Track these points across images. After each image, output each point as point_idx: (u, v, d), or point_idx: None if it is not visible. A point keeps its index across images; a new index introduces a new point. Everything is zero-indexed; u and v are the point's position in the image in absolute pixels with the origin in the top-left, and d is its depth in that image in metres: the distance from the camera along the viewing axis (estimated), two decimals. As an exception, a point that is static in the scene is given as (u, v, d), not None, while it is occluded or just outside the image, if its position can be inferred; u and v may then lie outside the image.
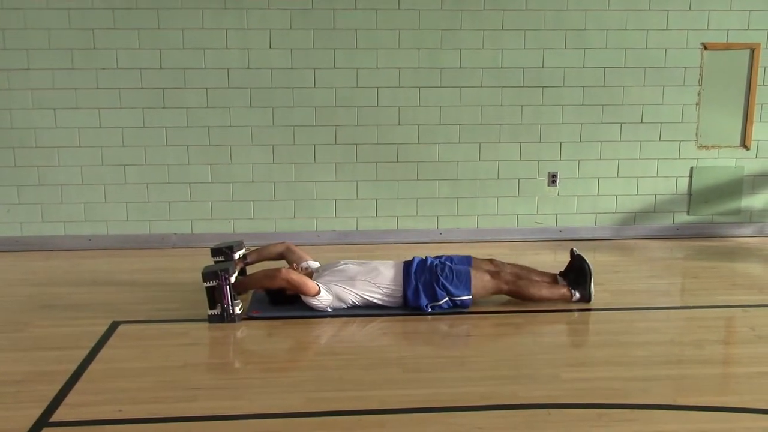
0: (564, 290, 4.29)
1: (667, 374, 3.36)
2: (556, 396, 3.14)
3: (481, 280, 4.20)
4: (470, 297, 4.17)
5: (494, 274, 4.25)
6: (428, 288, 4.13)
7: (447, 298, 4.15)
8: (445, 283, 4.13)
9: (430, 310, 4.15)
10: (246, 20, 5.43)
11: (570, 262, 4.44)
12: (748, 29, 5.70)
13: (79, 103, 5.46)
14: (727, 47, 5.73)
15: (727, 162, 5.93)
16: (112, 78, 5.44)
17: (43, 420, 2.94)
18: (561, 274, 4.45)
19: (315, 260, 4.55)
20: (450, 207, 5.84)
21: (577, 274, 4.33)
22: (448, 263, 4.25)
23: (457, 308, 4.18)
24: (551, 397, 3.12)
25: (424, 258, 4.31)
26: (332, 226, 5.81)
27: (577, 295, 4.29)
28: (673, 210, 6.00)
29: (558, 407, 3.03)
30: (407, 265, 4.24)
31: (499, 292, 4.26)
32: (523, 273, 4.41)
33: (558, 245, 5.67)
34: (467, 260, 4.37)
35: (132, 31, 5.38)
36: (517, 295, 4.26)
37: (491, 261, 4.45)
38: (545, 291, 4.28)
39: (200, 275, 4.06)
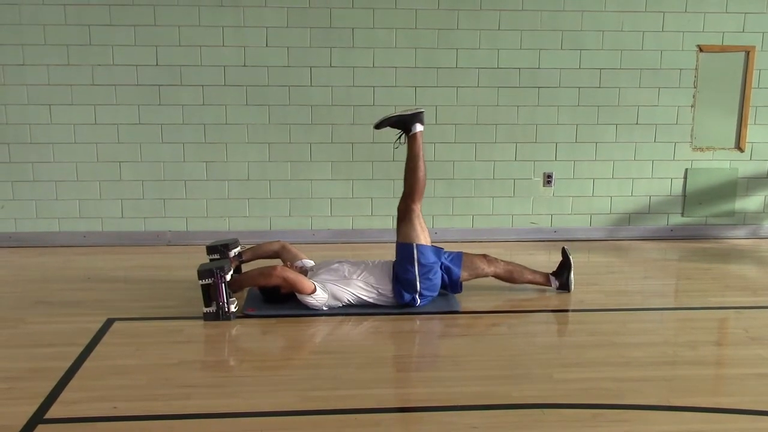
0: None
1: (660, 375, 3.37)
2: (549, 396, 3.15)
3: (405, 228, 4.15)
4: (415, 244, 4.08)
5: (401, 218, 4.22)
6: (403, 281, 4.12)
7: (417, 275, 4.08)
8: (400, 262, 4.12)
9: (419, 301, 4.15)
10: (242, 18, 5.43)
11: (561, 260, 4.56)
12: (743, 32, 5.72)
13: (74, 99, 5.45)
14: (723, 50, 5.74)
15: (721, 164, 5.95)
16: (107, 74, 5.43)
17: (38, 417, 2.93)
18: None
19: (310, 259, 4.55)
20: (445, 206, 5.84)
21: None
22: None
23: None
24: (545, 397, 3.13)
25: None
26: (327, 225, 5.81)
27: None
28: (668, 211, 6.02)
29: (552, 407, 3.04)
30: (396, 265, 4.24)
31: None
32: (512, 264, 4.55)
33: (553, 246, 5.67)
34: (458, 255, 4.38)
35: (128, 28, 5.37)
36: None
37: (484, 256, 4.48)
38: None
39: (195, 273, 4.06)
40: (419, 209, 4.19)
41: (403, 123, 4.20)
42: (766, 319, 4.16)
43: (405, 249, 4.14)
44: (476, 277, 4.42)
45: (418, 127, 4.20)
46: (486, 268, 4.41)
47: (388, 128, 4.27)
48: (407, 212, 4.16)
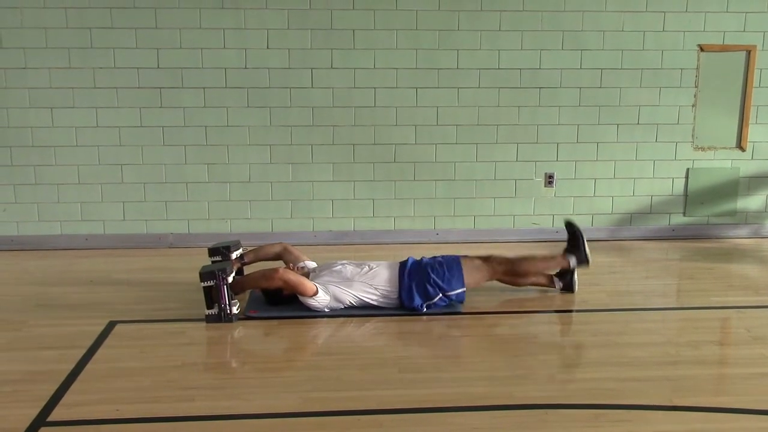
0: (558, 258, 4.36)
1: (663, 375, 3.37)
2: (552, 396, 3.15)
3: (472, 267, 4.20)
4: (464, 290, 4.16)
5: (485, 260, 4.25)
6: (421, 287, 4.14)
7: (441, 295, 4.15)
8: (436, 279, 4.13)
9: (425, 309, 4.16)
10: (243, 20, 5.43)
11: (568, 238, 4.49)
12: (744, 31, 5.71)
13: (76, 102, 5.45)
14: (724, 49, 5.74)
15: (723, 163, 5.95)
16: (109, 77, 5.44)
17: (40, 419, 2.94)
18: (557, 274, 4.50)
19: (312, 260, 4.55)
20: (447, 207, 5.84)
21: (569, 240, 4.39)
22: (438, 259, 4.26)
23: (452, 303, 4.20)
24: (547, 398, 3.13)
25: (419, 259, 4.32)
26: (329, 227, 5.81)
27: (574, 260, 4.35)
28: (670, 211, 6.01)
29: (554, 408, 3.04)
30: (402, 266, 4.25)
31: (493, 275, 4.26)
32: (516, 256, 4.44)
33: (554, 246, 5.66)
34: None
35: (129, 31, 5.38)
36: (511, 273, 4.32)
37: (485, 261, 4.41)
38: (540, 263, 4.34)
39: (197, 275, 4.06)
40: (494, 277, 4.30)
41: (575, 247, 4.32)
42: (768, 319, 4.17)
43: (455, 277, 4.14)
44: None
45: (572, 261, 4.30)
46: (487, 278, 4.34)
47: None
48: (490, 271, 4.25)
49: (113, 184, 5.60)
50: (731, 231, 6.05)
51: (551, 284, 4.49)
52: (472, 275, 4.20)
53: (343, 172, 5.72)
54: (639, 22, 5.65)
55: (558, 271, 4.50)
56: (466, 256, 4.32)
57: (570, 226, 4.42)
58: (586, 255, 4.32)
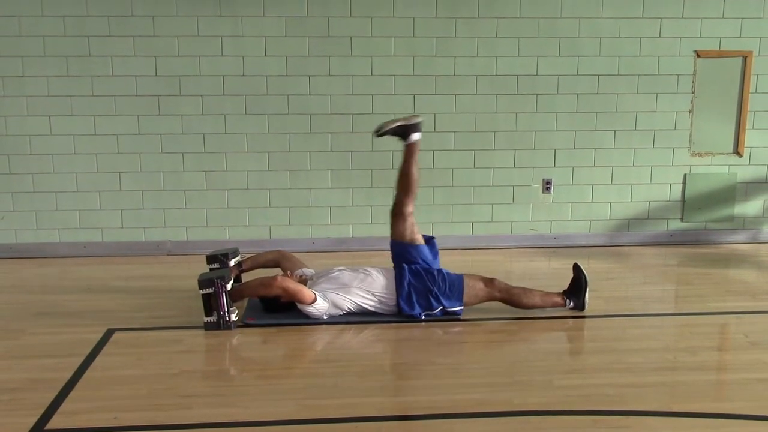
0: (557, 299, 4.29)
1: (661, 381, 3.37)
2: (550, 403, 3.15)
3: (473, 289, 4.20)
4: (462, 308, 4.19)
5: (488, 282, 4.25)
6: (421, 297, 4.14)
7: (440, 308, 4.16)
8: (438, 293, 4.14)
9: (423, 317, 4.16)
10: (241, 28, 5.44)
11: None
12: (740, 37, 5.73)
13: (74, 110, 5.46)
14: (720, 55, 5.76)
15: (720, 169, 5.96)
16: (107, 85, 5.44)
17: (39, 428, 2.93)
18: (565, 292, 4.36)
19: (310, 267, 4.55)
20: (445, 214, 5.85)
21: (573, 283, 4.35)
22: (443, 272, 4.25)
23: (449, 315, 4.20)
24: (546, 404, 3.13)
25: (416, 265, 4.30)
26: (327, 233, 5.81)
27: (571, 303, 4.29)
28: (667, 217, 6.02)
29: (553, 414, 3.04)
30: (400, 272, 4.24)
31: (491, 299, 4.26)
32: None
33: (552, 252, 5.69)
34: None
35: (127, 39, 5.39)
36: (509, 302, 4.27)
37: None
38: (538, 299, 4.28)
39: (196, 282, 4.06)
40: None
41: (576, 293, 4.28)
42: (766, 324, 4.17)
43: (455, 295, 4.16)
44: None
45: (569, 305, 4.27)
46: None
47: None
48: (490, 296, 4.24)
49: (111, 192, 5.60)
50: (729, 236, 6.06)
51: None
52: (471, 296, 4.22)
53: (341, 179, 5.73)
54: (635, 29, 5.67)
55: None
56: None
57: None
58: (584, 303, 4.30)
